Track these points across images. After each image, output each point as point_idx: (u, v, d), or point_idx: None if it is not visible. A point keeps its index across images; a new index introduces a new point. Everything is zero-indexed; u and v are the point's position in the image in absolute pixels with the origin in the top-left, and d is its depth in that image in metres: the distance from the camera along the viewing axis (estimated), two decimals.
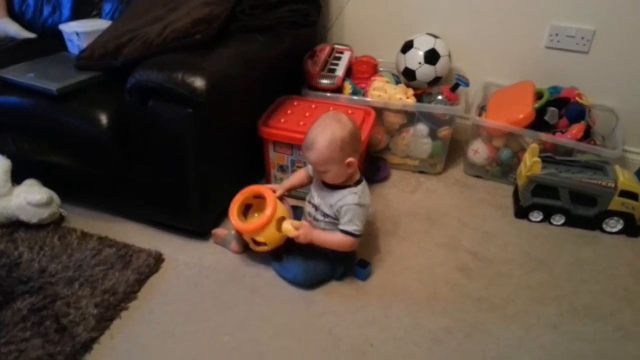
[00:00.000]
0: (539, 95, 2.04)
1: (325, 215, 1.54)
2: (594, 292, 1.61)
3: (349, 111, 1.89)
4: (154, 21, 1.71)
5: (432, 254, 1.74)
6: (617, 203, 1.79)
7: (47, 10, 2.24)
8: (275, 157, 1.91)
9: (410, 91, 2.10)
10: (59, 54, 1.91)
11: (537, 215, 1.89)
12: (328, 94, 2.05)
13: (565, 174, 1.83)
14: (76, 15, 2.17)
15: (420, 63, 2.08)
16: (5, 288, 1.51)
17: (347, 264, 1.61)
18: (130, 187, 1.72)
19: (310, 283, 1.58)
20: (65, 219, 1.82)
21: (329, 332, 1.46)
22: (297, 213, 1.64)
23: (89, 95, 1.66)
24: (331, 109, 1.90)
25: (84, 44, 1.84)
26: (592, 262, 1.72)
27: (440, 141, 2.09)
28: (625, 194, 1.78)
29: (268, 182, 1.96)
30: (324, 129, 1.44)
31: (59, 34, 1.95)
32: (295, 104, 1.99)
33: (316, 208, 1.56)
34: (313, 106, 1.96)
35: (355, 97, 2.05)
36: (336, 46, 2.23)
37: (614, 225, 1.83)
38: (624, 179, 1.78)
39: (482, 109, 2.15)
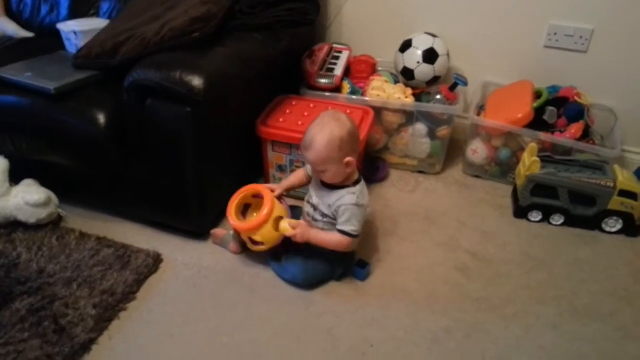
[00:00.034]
0: (537, 95, 2.04)
1: (323, 215, 1.54)
2: (593, 291, 1.60)
3: (348, 110, 1.88)
4: (152, 20, 1.70)
5: (431, 254, 1.73)
6: (616, 202, 1.79)
7: (44, 9, 2.24)
8: (273, 156, 1.91)
9: (409, 90, 2.10)
10: (57, 52, 1.91)
11: (536, 215, 1.88)
12: (326, 93, 2.05)
13: (564, 173, 1.83)
14: (74, 14, 2.16)
15: (418, 62, 2.07)
16: (4, 288, 1.50)
17: (346, 264, 1.61)
18: (129, 186, 1.71)
19: (309, 283, 1.58)
20: (64, 219, 1.82)
21: (328, 333, 1.45)
22: (295, 213, 1.64)
23: (86, 94, 1.66)
24: (329, 108, 1.90)
25: (81, 42, 1.83)
26: (591, 262, 1.72)
27: (439, 141, 2.09)
28: (625, 193, 1.78)
29: (266, 181, 1.96)
30: (323, 127, 1.43)
31: (57, 33, 1.94)
32: (294, 103, 1.98)
33: (315, 208, 1.56)
34: (311, 105, 1.96)
35: (353, 97, 2.05)
36: (334, 45, 2.23)
37: (613, 224, 1.83)
38: (623, 178, 1.78)
39: (480, 109, 2.14)
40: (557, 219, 1.87)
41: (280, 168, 1.92)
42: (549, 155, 1.89)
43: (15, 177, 1.74)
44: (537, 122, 1.95)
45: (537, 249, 1.77)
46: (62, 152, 1.73)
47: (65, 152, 1.73)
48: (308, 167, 1.61)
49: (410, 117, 2.04)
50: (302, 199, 1.66)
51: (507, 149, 2.03)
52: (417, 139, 2.08)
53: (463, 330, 1.47)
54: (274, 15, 1.90)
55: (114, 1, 2.14)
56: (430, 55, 2.07)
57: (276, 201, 1.55)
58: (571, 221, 1.86)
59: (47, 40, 2.05)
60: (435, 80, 2.12)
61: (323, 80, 2.05)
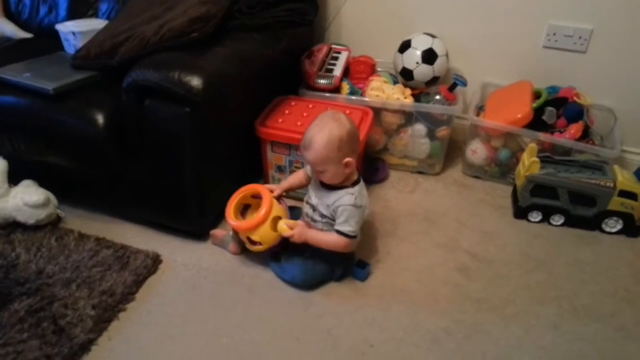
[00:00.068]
0: (537, 95, 2.04)
1: (322, 215, 1.54)
2: (594, 292, 1.60)
3: (347, 111, 1.88)
4: (151, 20, 1.70)
5: (431, 255, 1.73)
6: (616, 203, 1.79)
7: (43, 10, 2.24)
8: (273, 157, 1.90)
9: (408, 91, 2.10)
10: (55, 53, 1.90)
11: (536, 216, 1.88)
12: (326, 94, 2.05)
13: (563, 173, 1.83)
14: (72, 15, 2.16)
15: (417, 63, 2.07)
16: (3, 289, 1.50)
17: (345, 265, 1.61)
18: (128, 187, 1.71)
19: (309, 284, 1.57)
20: (63, 220, 1.81)
21: (328, 333, 1.45)
22: (295, 213, 1.64)
23: (85, 94, 1.66)
24: (329, 109, 1.89)
25: (80, 43, 1.83)
26: (591, 263, 1.72)
27: (439, 141, 2.08)
28: (625, 193, 1.77)
29: (266, 182, 1.95)
30: (322, 128, 1.43)
31: (55, 34, 1.94)
32: (293, 104, 1.98)
33: (314, 208, 1.56)
34: (310, 106, 1.96)
35: (353, 97, 2.05)
36: (334, 46, 2.22)
37: (614, 225, 1.83)
38: (623, 178, 1.78)
39: (480, 109, 2.14)
40: (557, 220, 1.87)
41: (280, 169, 1.92)
42: (549, 155, 1.89)
43: (14, 178, 1.74)
44: (536, 122, 1.95)
45: (537, 249, 1.77)
46: (61, 153, 1.73)
47: (64, 152, 1.72)
48: (308, 168, 1.61)
49: (409, 117, 2.03)
50: (301, 199, 1.66)
51: (506, 150, 2.03)
52: (416, 139, 2.08)
53: (463, 330, 1.46)
54: (273, 16, 1.90)
55: (113, 2, 2.14)
56: (429, 56, 2.06)
57: (275, 201, 1.55)
58: (571, 222, 1.85)
59: (45, 41, 2.05)
60: (434, 80, 2.12)
61: (322, 81, 2.05)
